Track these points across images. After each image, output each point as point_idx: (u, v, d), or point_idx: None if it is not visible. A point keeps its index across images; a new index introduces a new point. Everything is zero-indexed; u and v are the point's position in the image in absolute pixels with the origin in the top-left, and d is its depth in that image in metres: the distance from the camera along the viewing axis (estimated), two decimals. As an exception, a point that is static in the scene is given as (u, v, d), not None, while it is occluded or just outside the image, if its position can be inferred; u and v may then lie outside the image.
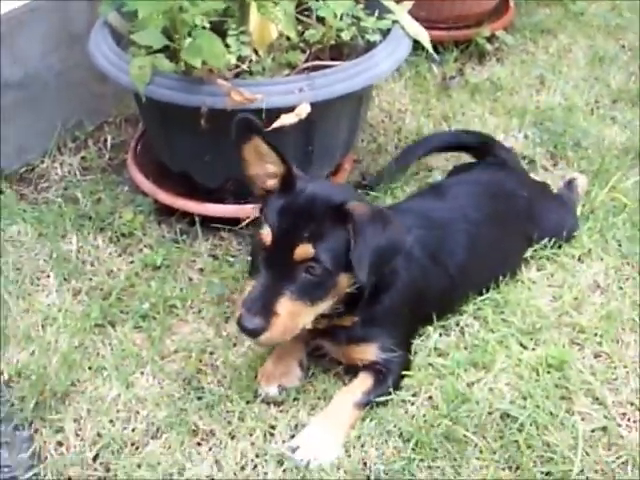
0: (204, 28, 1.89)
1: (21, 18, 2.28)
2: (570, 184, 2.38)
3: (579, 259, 2.20)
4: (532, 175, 2.45)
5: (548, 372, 1.86)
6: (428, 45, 2.15)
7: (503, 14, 3.17)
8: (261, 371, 1.82)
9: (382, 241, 1.60)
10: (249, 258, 1.73)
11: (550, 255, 2.17)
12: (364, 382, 1.77)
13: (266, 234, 1.61)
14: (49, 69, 2.42)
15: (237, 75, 1.96)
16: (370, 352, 1.79)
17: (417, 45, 2.93)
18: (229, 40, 1.91)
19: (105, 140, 2.62)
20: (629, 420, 1.79)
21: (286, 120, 1.80)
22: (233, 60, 1.81)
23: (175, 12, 1.81)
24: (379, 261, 1.61)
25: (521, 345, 1.92)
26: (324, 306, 1.67)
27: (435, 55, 2.50)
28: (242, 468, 1.66)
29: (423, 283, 1.87)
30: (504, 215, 2.08)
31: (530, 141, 2.67)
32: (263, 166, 1.66)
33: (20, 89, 2.36)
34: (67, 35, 2.42)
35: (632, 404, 1.82)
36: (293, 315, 1.61)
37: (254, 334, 1.60)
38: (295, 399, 1.80)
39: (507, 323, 1.97)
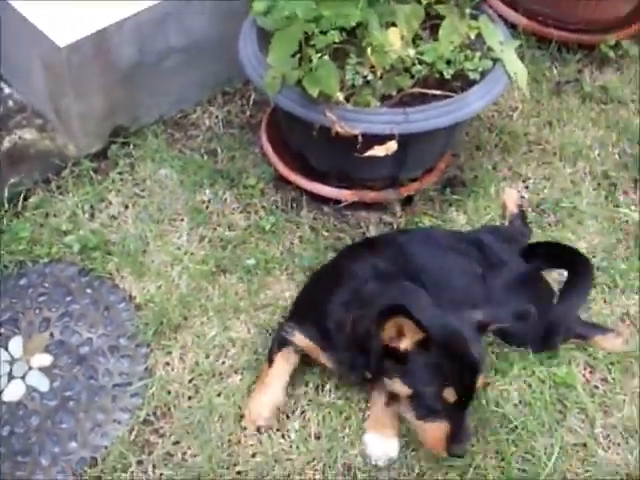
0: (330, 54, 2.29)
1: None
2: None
3: (616, 286, 2.53)
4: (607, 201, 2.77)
5: (554, 387, 2.27)
6: (524, 86, 2.43)
7: (633, 23, 3.28)
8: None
9: None
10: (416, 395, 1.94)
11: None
12: None
13: (451, 394, 1.89)
14: (209, 38, 2.85)
15: (350, 95, 2.34)
16: None
17: (544, 41, 3.23)
18: (347, 68, 2.30)
19: (249, 96, 3.06)
20: (610, 442, 2.19)
21: (377, 152, 2.21)
22: (341, 98, 2.21)
23: (303, 45, 2.22)
24: None
25: (540, 361, 2.32)
26: None
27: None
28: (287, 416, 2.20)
29: None
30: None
31: (620, 162, 2.92)
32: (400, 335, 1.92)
33: (183, 53, 2.83)
34: (227, 10, 2.81)
35: (616, 428, 2.21)
36: None
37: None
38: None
39: (533, 339, 2.37)
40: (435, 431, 1.94)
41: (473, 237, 2.47)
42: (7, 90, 3.01)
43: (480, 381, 1.93)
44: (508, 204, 2.69)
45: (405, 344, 1.91)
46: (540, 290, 2.40)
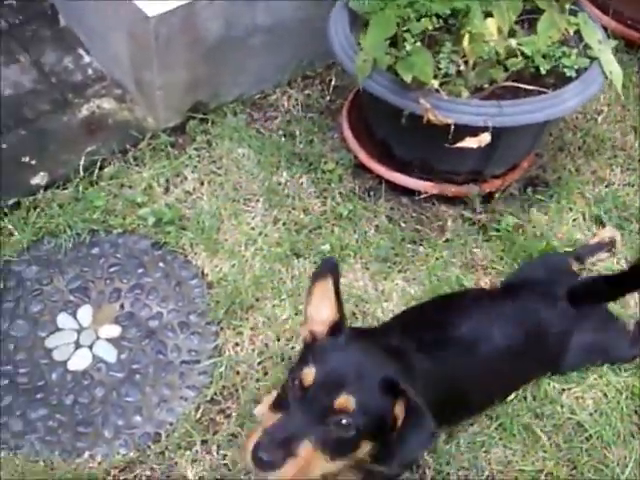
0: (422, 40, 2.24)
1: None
2: None
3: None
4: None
5: (631, 398, 2.20)
6: (619, 87, 2.35)
7: None
8: None
9: (425, 439, 1.57)
10: (278, 391, 1.70)
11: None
12: None
13: (308, 373, 1.55)
14: (295, 19, 2.81)
15: (442, 83, 2.29)
16: None
17: (632, 46, 3.14)
18: (440, 56, 2.25)
19: (330, 81, 3.00)
20: (684, 457, 2.13)
21: (469, 143, 2.16)
22: (436, 85, 2.16)
23: (400, 29, 2.17)
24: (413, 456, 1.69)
25: (616, 371, 2.25)
26: (339, 465, 1.60)
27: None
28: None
29: None
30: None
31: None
32: (320, 308, 1.66)
33: (268, 32, 2.80)
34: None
35: (693, 444, 2.15)
36: (308, 463, 1.53)
37: (266, 467, 1.50)
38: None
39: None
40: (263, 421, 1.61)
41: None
42: (87, 58, 3.01)
43: (341, 401, 1.53)
44: (603, 234, 2.56)
45: (320, 329, 1.66)
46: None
